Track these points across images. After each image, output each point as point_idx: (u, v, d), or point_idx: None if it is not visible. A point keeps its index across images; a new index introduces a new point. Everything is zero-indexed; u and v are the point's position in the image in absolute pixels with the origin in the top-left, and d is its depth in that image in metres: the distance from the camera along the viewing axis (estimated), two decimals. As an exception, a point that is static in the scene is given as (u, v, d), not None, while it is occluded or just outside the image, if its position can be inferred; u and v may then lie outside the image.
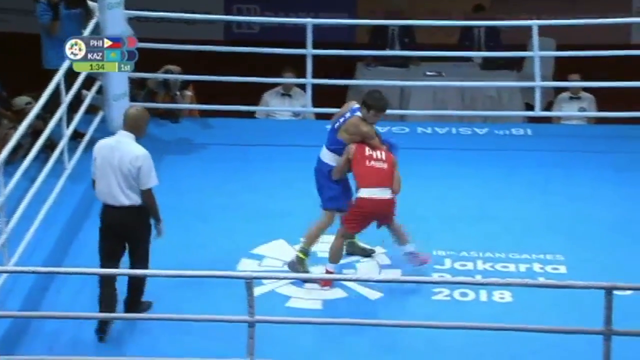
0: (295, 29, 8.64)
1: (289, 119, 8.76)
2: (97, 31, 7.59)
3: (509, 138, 8.19)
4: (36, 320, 5.72)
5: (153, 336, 5.64)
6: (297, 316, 5.68)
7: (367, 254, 6.42)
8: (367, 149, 6.14)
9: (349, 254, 6.34)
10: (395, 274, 6.23)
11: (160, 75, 8.22)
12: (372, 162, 6.11)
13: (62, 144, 7.12)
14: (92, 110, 7.92)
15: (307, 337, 5.58)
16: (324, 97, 8.23)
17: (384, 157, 6.15)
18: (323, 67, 8.27)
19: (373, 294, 6.05)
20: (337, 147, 6.18)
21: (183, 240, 6.38)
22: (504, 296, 6.01)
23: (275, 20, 10.40)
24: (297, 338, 5.56)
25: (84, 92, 7.74)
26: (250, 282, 5.05)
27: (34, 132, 7.16)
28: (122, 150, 5.62)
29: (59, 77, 7.01)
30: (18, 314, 5.73)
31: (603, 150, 7.89)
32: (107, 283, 5.61)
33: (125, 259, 5.74)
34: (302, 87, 8.47)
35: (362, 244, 6.42)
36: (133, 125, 5.67)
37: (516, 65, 9.53)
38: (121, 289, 5.71)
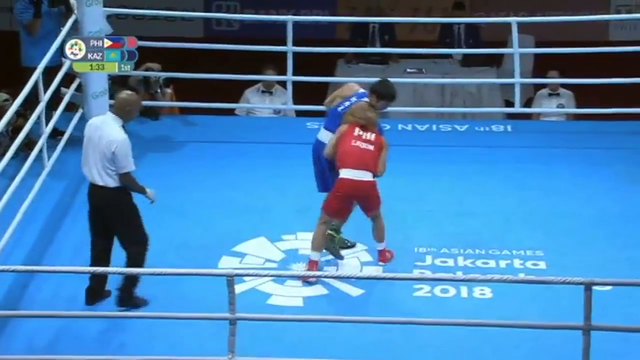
0: (275, 26, 8.63)
1: (270, 116, 8.75)
2: (75, 28, 7.55)
3: (489, 134, 8.22)
4: (15, 319, 5.68)
5: (133, 333, 5.63)
6: (278, 313, 5.68)
7: (347, 246, 6.40)
8: (357, 129, 6.11)
9: (326, 250, 6.31)
10: (376, 270, 6.24)
11: (140, 73, 8.18)
12: (358, 142, 6.09)
13: (41, 142, 7.08)
14: (71, 108, 7.89)
15: (288, 334, 5.58)
16: (305, 94, 8.22)
17: (372, 139, 6.11)
18: (303, 64, 8.27)
19: (354, 291, 6.05)
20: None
21: (163, 238, 6.37)
22: (484, 292, 6.04)
23: (256, 17, 10.38)
24: (278, 335, 5.56)
25: (63, 89, 7.71)
26: (231, 279, 5.05)
27: (13, 130, 7.12)
28: (103, 131, 5.69)
29: (37, 74, 6.97)
30: (-3, 313, 5.70)
31: (582, 146, 7.93)
32: (96, 259, 5.71)
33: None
34: (283, 84, 8.47)
35: (343, 238, 6.40)
36: (120, 109, 5.73)
37: (496, 62, 9.56)
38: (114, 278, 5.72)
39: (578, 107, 8.81)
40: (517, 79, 8.24)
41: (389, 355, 5.53)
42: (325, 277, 6.03)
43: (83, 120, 7.87)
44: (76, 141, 7.82)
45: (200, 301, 5.77)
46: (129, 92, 5.91)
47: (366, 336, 5.57)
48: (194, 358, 5.26)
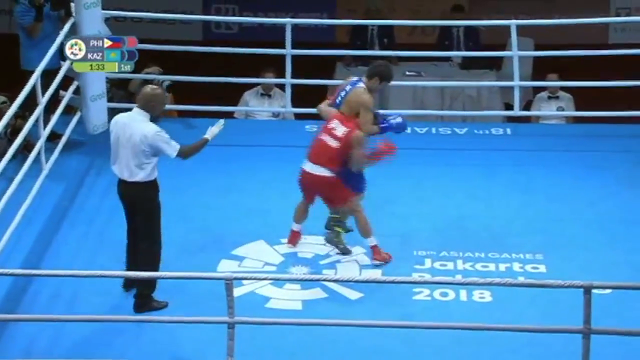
0: (274, 28, 8.62)
1: (269, 119, 8.74)
2: (73, 31, 7.54)
3: (488, 137, 8.21)
4: (13, 323, 5.66)
5: (131, 337, 5.61)
6: (277, 317, 5.66)
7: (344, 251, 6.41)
8: (336, 121, 6.16)
9: (330, 244, 6.37)
10: (375, 274, 6.22)
11: (139, 76, 8.16)
12: (325, 137, 6.17)
13: (39, 144, 7.07)
14: (69, 110, 7.87)
15: (287, 337, 5.56)
16: (304, 97, 8.21)
17: (341, 135, 6.13)
18: (302, 67, 8.26)
19: (353, 294, 6.04)
20: None
21: (163, 241, 6.34)
22: (484, 296, 6.02)
23: (254, 20, 10.38)
24: (277, 339, 5.55)
25: (62, 92, 7.69)
26: (230, 282, 5.03)
27: (12, 132, 7.11)
28: (133, 128, 5.74)
29: (35, 77, 6.95)
30: (-5, 317, 5.68)
31: (581, 149, 7.92)
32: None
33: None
34: (282, 87, 8.46)
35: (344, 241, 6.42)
36: (145, 104, 5.78)
37: (495, 65, 9.56)
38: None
39: (577, 110, 8.80)
40: (516, 82, 8.23)
41: (389, 359, 5.51)
42: (325, 280, 6.02)
43: (81, 123, 7.87)
44: (74, 144, 7.83)
45: (198, 305, 5.75)
46: (153, 86, 5.96)
47: (365, 340, 5.55)
48: (193, 362, 5.25)
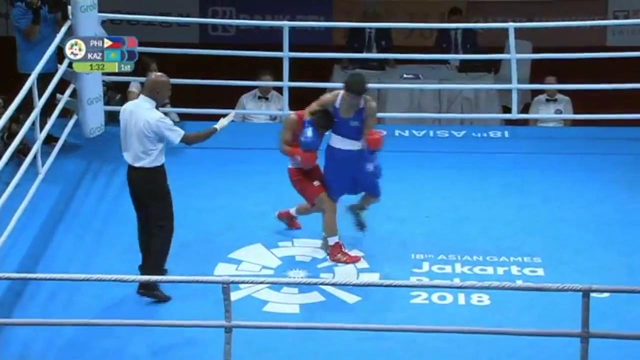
0: (271, 31, 8.60)
1: (266, 122, 8.72)
2: (70, 34, 7.51)
3: (486, 140, 8.20)
4: (8, 327, 5.64)
5: (127, 340, 5.58)
6: (274, 321, 5.64)
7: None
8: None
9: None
10: (373, 277, 6.20)
11: (137, 79, 8.14)
12: None
13: (36, 147, 7.05)
14: (65, 114, 7.85)
15: (284, 341, 5.54)
16: (301, 100, 8.17)
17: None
18: (300, 69, 8.24)
19: (351, 298, 6.02)
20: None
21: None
22: (482, 299, 6.00)
23: (252, 22, 10.36)
24: (274, 343, 5.52)
25: (58, 95, 7.67)
26: (227, 286, 5.01)
27: (8, 136, 7.08)
28: (138, 115, 5.85)
29: (31, 80, 6.93)
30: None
31: (579, 152, 7.91)
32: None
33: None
34: (279, 89, 8.44)
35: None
36: (150, 92, 5.89)
37: (493, 68, 9.55)
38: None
39: (576, 113, 8.79)
40: (514, 85, 8.22)
41: (386, 363, 5.49)
42: (322, 284, 5.99)
43: (77, 126, 7.85)
44: (71, 147, 7.81)
45: (195, 308, 5.73)
46: (158, 73, 6.06)
47: (363, 343, 5.53)
48: (189, 366, 5.23)
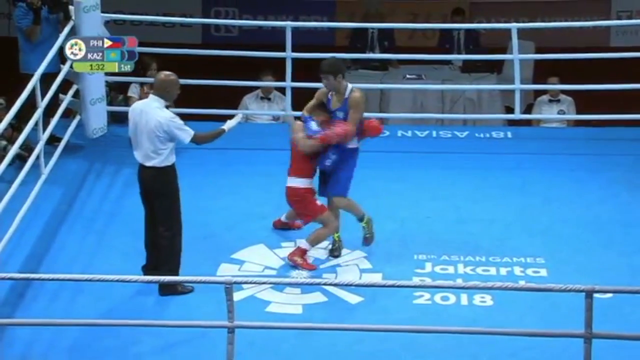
0: (274, 32, 8.59)
1: (269, 122, 8.72)
2: (73, 35, 7.52)
3: (489, 141, 8.19)
4: (11, 327, 5.64)
5: (130, 341, 5.58)
6: (277, 321, 5.64)
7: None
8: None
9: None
10: (375, 278, 6.20)
11: (137, 79, 8.14)
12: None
13: (39, 148, 7.05)
14: (68, 114, 7.85)
15: (287, 342, 5.54)
16: (304, 100, 8.17)
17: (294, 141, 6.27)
18: (302, 70, 8.24)
19: (354, 298, 6.02)
20: None
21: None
22: (485, 300, 6.00)
23: (254, 23, 10.36)
24: (277, 343, 5.52)
25: (61, 96, 7.67)
26: (229, 287, 5.01)
27: (9, 141, 7.09)
28: (149, 115, 5.88)
29: (34, 81, 6.94)
30: (-7, 321, 5.65)
31: (582, 152, 7.90)
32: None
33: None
34: (282, 90, 8.44)
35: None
36: (160, 90, 5.93)
37: (496, 68, 9.55)
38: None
39: (578, 113, 8.78)
40: (517, 85, 8.21)
41: (389, 364, 5.49)
42: (325, 284, 5.99)
43: (80, 126, 7.85)
44: (73, 148, 7.81)
45: (198, 309, 5.73)
46: (167, 72, 6.04)
47: (366, 344, 5.53)
48: (192, 366, 5.23)
